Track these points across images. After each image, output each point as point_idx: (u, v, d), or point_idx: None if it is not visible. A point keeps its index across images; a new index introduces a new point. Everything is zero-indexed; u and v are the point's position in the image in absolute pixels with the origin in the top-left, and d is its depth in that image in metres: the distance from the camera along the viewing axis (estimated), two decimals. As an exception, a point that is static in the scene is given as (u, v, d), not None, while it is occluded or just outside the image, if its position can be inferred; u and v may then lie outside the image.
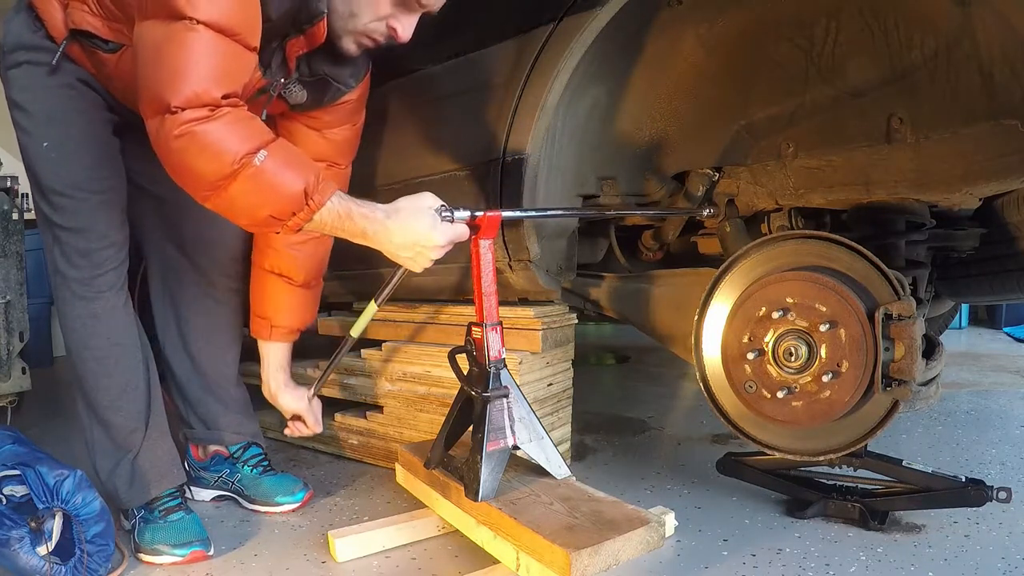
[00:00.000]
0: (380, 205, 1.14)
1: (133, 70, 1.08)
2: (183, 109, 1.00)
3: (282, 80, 1.26)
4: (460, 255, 1.26)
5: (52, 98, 1.27)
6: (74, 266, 1.30)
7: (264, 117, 1.25)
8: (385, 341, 1.82)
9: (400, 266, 1.23)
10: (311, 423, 1.60)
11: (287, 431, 1.62)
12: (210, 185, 1.04)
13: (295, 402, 1.58)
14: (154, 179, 1.42)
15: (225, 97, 1.03)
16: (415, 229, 1.13)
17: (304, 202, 1.07)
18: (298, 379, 2.02)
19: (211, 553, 1.30)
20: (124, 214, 1.36)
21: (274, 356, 1.56)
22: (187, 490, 1.57)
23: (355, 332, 1.52)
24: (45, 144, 1.27)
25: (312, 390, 1.60)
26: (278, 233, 1.15)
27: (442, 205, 1.16)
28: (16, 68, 1.27)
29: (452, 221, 1.17)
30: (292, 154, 1.09)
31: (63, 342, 1.38)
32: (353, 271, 1.99)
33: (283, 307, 1.52)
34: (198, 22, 0.99)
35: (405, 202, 1.14)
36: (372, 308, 1.46)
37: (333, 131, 1.40)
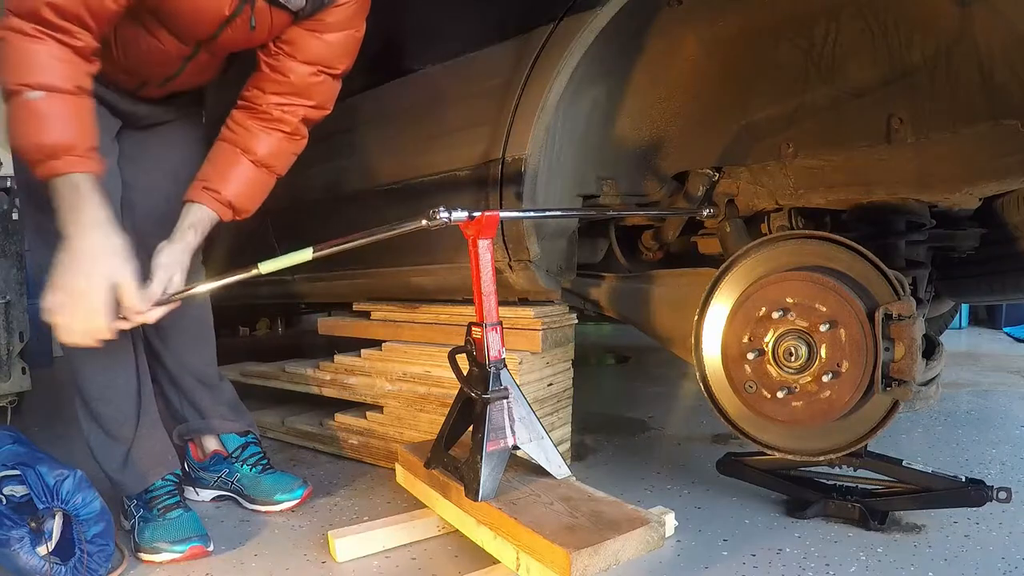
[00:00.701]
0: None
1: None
2: (15, 15, 1.04)
3: None
4: (461, 255, 1.26)
5: None
6: None
7: (253, 26, 1.23)
8: (385, 341, 1.82)
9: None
10: (127, 295, 1.14)
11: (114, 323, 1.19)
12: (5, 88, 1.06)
13: (166, 263, 1.26)
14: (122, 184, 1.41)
15: (59, 14, 1.04)
16: (84, 268, 1.08)
17: (47, 158, 1.06)
18: (298, 378, 2.03)
19: (210, 548, 1.31)
20: (117, 217, 1.35)
21: (194, 214, 1.33)
22: (185, 489, 1.57)
23: (264, 269, 1.26)
24: None
25: (172, 293, 1.27)
26: (35, 173, 1.11)
27: (146, 277, 1.16)
28: None
29: (450, 222, 1.16)
30: (75, 115, 1.08)
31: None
32: (355, 271, 2.00)
33: (230, 175, 1.35)
34: None
35: (101, 245, 1.10)
36: (307, 253, 1.25)
37: (334, 35, 1.34)
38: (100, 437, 1.38)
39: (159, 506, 1.35)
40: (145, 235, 1.46)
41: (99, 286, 1.10)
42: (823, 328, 1.20)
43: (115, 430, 1.37)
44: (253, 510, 1.53)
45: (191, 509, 1.38)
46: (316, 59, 1.34)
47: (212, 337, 1.61)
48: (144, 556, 1.30)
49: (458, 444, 1.32)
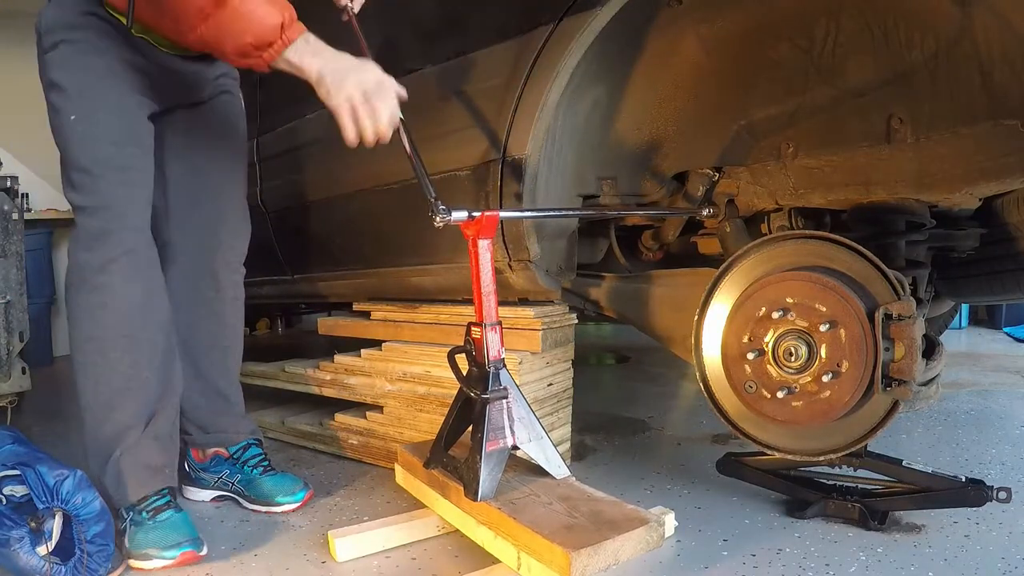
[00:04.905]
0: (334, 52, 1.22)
1: None
2: None
3: None
4: (460, 255, 1.26)
5: (89, 75, 1.26)
6: (88, 249, 1.28)
7: None
8: (385, 341, 1.82)
9: None
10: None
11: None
12: (199, 12, 1.13)
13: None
14: (167, 178, 1.42)
15: None
16: (369, 70, 1.23)
17: (279, 34, 1.16)
18: (298, 378, 2.03)
19: (203, 553, 1.28)
20: (148, 201, 1.34)
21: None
22: (185, 490, 1.57)
23: None
24: (73, 117, 1.26)
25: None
26: (252, 67, 1.20)
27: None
28: (53, 50, 1.26)
29: (450, 222, 1.17)
30: None
31: (67, 335, 1.34)
32: (355, 271, 2.00)
33: None
34: None
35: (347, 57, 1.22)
36: None
37: None
38: (98, 443, 1.33)
39: (148, 508, 1.30)
40: (181, 226, 1.46)
41: (381, 74, 1.24)
42: (823, 328, 1.20)
43: (117, 435, 1.31)
44: (253, 510, 1.53)
45: (182, 509, 1.34)
46: None
47: (241, 343, 1.61)
48: (135, 563, 1.26)
49: (458, 444, 1.32)
